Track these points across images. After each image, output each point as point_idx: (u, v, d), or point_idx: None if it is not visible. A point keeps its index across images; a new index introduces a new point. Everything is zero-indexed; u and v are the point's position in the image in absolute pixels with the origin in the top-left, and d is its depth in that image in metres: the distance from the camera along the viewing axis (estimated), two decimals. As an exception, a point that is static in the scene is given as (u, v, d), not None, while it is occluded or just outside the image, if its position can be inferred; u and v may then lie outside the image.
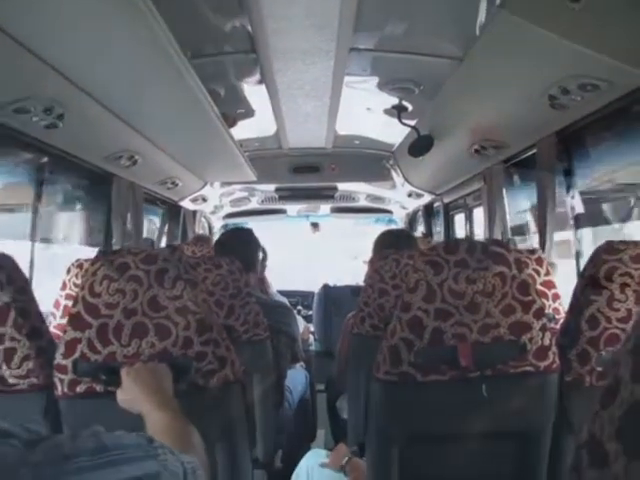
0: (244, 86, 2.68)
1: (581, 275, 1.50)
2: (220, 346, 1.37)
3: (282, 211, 5.11)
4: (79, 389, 1.32)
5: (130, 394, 1.19)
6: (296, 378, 3.06)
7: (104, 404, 1.25)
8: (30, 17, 1.40)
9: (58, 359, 1.31)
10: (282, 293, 4.17)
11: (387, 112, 3.00)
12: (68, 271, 2.26)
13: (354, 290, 4.12)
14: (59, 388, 1.32)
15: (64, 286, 2.26)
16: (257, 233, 2.56)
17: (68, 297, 2.21)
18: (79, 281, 2.11)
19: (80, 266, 2.22)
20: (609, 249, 1.42)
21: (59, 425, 1.32)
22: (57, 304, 2.27)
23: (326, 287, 4.38)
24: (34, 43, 1.54)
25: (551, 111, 2.04)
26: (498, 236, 2.96)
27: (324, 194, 4.67)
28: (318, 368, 3.81)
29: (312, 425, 3.44)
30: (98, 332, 1.30)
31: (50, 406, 1.34)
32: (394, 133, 3.38)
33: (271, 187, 4.54)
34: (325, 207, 5.12)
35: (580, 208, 2.52)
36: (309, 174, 4.13)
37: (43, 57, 1.62)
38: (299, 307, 4.90)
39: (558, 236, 2.52)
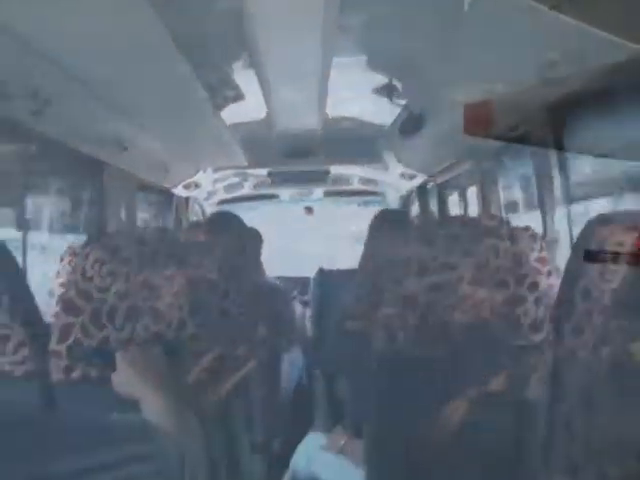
0: (233, 70, 2.66)
1: (573, 248, 1.50)
2: (214, 328, 1.37)
3: (275, 196, 5.09)
4: (74, 375, 1.32)
5: (125, 378, 1.19)
6: (292, 362, 3.07)
7: (99, 389, 1.25)
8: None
9: (52, 345, 1.31)
10: (278, 279, 4.16)
11: (377, 92, 2.98)
12: (61, 259, 2.24)
13: (350, 273, 4.10)
14: (54, 374, 1.31)
15: (58, 274, 2.25)
16: (253, 218, 2.55)
17: (62, 285, 2.20)
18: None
19: (73, 253, 2.21)
20: (601, 221, 1.42)
21: (55, 411, 1.32)
22: (53, 292, 2.26)
23: (322, 271, 4.36)
24: (18, 27, 1.51)
25: (541, 86, 2.03)
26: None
27: (316, 178, 4.64)
28: (315, 352, 3.82)
29: (310, 408, 3.45)
30: (91, 316, 1.30)
31: (46, 392, 1.34)
32: (385, 113, 3.36)
33: (263, 172, 4.52)
34: (318, 191, 5.10)
35: (573, 184, 2.52)
36: (301, 158, 4.11)
37: (28, 40, 1.59)
38: (295, 292, 4.89)
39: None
